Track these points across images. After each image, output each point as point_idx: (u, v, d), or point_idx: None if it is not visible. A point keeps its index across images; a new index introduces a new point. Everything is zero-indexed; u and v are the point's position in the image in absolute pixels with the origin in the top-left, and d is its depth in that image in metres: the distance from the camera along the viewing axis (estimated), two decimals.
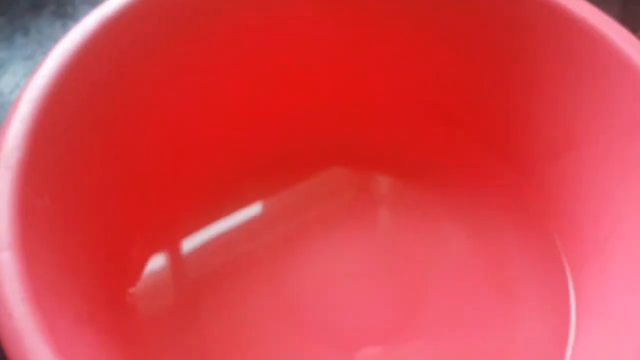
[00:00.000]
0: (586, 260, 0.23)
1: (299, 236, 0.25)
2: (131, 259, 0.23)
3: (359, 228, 0.25)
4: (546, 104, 0.24)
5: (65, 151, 0.19)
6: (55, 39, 0.24)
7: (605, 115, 0.22)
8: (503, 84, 0.25)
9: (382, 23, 0.25)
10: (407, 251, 0.24)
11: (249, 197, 0.25)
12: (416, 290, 0.23)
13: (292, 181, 0.26)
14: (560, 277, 0.23)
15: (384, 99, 0.27)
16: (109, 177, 0.22)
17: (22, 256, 0.16)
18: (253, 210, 0.25)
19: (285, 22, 0.25)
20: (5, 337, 0.15)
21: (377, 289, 0.24)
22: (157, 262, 0.24)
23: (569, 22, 0.22)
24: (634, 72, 0.20)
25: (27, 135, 0.17)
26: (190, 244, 0.24)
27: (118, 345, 0.20)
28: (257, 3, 0.24)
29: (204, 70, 0.24)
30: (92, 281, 0.20)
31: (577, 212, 0.23)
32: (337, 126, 0.27)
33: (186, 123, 0.25)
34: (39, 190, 0.17)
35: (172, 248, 0.24)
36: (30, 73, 0.20)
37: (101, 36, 0.20)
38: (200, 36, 0.24)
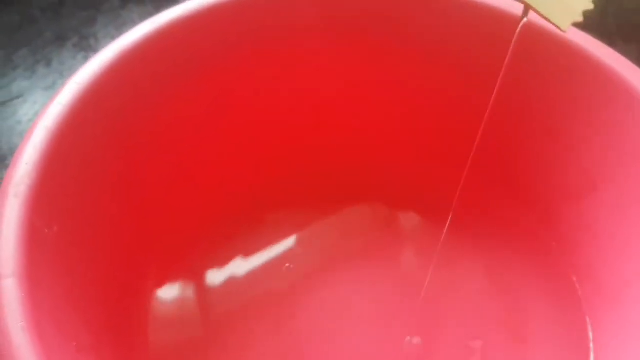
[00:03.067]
0: (604, 306, 0.22)
1: (320, 274, 0.24)
2: (142, 293, 0.23)
3: (380, 266, 0.25)
4: (567, 147, 0.23)
5: (78, 181, 0.19)
6: (76, 71, 0.24)
7: (623, 158, 0.21)
8: (526, 128, 0.24)
9: (406, 63, 0.25)
10: (425, 292, 0.24)
11: (273, 233, 0.25)
12: (430, 332, 0.23)
13: (318, 216, 0.26)
14: (578, 323, 0.23)
15: (410, 139, 0.27)
16: (122, 209, 0.22)
17: (25, 284, 0.15)
18: (278, 246, 0.25)
19: (307, 58, 0.25)
20: None
21: (392, 326, 0.23)
22: (169, 297, 0.23)
23: (590, 67, 0.22)
24: None
25: (39, 163, 0.17)
26: (208, 280, 0.24)
27: None
28: (280, 40, 0.24)
29: (222, 102, 0.24)
30: (99, 312, 0.20)
31: (595, 259, 0.23)
32: (365, 162, 0.27)
33: (204, 156, 0.25)
34: (47, 219, 0.17)
35: (188, 284, 0.24)
36: None
37: (119, 67, 0.20)
38: (223, 67, 0.24)
